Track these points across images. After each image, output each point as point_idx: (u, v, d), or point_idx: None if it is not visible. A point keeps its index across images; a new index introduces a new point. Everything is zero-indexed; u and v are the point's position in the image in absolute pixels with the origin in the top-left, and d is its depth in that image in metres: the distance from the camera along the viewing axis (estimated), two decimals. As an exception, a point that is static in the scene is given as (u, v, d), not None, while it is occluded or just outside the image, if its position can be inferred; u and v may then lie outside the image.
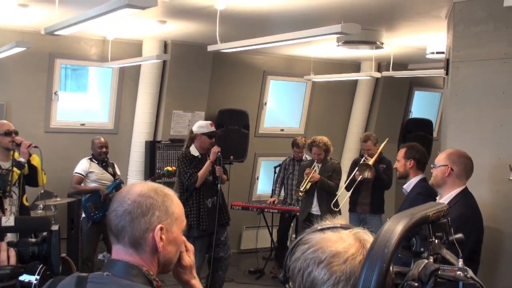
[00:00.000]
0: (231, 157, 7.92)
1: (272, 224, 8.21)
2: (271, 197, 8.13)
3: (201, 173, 5.95)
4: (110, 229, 1.67)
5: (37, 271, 1.90)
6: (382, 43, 6.41)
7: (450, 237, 1.34)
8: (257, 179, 9.46)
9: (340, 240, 1.30)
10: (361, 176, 6.72)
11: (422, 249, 1.28)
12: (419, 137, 9.58)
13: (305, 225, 6.87)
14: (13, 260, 1.87)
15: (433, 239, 1.29)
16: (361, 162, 6.83)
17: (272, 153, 9.33)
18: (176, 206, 1.71)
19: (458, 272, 1.18)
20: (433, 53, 6.90)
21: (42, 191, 5.88)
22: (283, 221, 8.03)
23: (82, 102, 8.52)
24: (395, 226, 1.13)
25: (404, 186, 4.41)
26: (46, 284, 1.73)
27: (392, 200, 8.41)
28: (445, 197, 3.59)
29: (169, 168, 6.76)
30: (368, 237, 1.32)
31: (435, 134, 10.32)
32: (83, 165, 6.72)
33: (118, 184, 6.81)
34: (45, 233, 1.91)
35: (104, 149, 6.78)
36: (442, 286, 1.16)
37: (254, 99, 9.12)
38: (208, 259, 6.18)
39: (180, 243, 1.75)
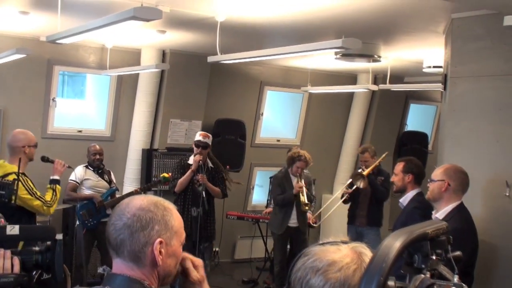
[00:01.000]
0: (227, 166, 7.92)
1: (266, 234, 8.22)
2: (266, 207, 8.14)
3: (181, 179, 6.27)
4: (109, 242, 1.67)
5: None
6: (379, 57, 6.45)
7: (448, 254, 1.37)
8: (253, 189, 9.47)
9: (337, 251, 1.40)
10: (354, 186, 6.74)
11: (423, 266, 1.31)
12: (414, 150, 9.62)
13: (283, 238, 6.90)
14: (16, 268, 1.89)
15: (432, 256, 1.33)
16: (355, 171, 6.85)
17: (268, 163, 9.35)
18: (176, 219, 1.71)
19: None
20: (429, 67, 6.94)
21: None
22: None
23: (80, 108, 8.53)
24: (394, 242, 1.17)
25: (401, 200, 4.43)
26: None
27: (386, 213, 8.43)
28: (441, 212, 3.62)
29: (165, 175, 6.70)
30: (364, 250, 1.41)
31: (430, 147, 10.36)
32: (78, 172, 6.70)
33: (113, 192, 6.81)
34: (49, 242, 1.93)
35: (97, 156, 6.77)
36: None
37: (251, 109, 9.15)
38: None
39: (179, 255, 1.74)
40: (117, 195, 6.91)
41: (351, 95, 9.91)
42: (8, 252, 1.90)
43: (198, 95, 8.37)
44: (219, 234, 7.64)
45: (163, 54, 7.96)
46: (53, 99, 7.62)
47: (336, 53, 6.39)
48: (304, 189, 6.69)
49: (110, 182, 6.87)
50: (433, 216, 3.70)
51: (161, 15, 3.46)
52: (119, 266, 1.67)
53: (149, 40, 7.07)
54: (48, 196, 4.98)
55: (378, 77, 9.43)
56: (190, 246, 6.08)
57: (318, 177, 7.79)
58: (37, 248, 1.93)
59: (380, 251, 1.16)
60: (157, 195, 7.72)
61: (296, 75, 9.22)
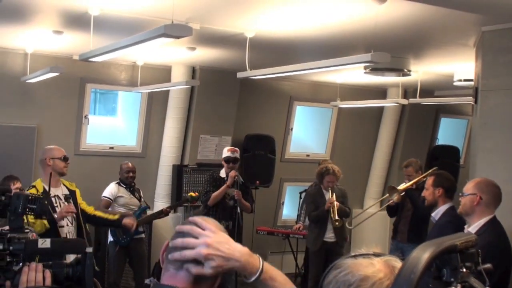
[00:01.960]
0: (257, 182, 7.95)
1: (297, 250, 8.18)
2: (296, 223, 8.11)
3: (215, 193, 6.28)
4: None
5: None
6: (409, 71, 6.42)
7: (478, 267, 1.36)
8: (283, 204, 9.45)
9: (370, 265, 1.37)
10: (391, 200, 6.68)
11: (452, 279, 1.30)
12: (445, 164, 9.47)
13: (319, 254, 6.83)
14: (48, 281, 1.92)
15: (462, 269, 1.31)
16: (390, 185, 6.78)
17: (297, 178, 9.34)
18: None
19: (485, 300, 1.21)
20: (460, 80, 6.88)
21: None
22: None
23: (111, 125, 8.66)
24: (423, 253, 1.16)
25: (433, 214, 4.39)
26: None
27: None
28: (474, 226, 3.58)
29: (192, 194, 6.93)
30: (398, 264, 1.38)
31: (462, 162, 10.22)
32: (112, 189, 6.78)
33: (144, 209, 6.88)
34: (79, 255, 1.96)
35: (131, 174, 6.86)
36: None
37: (280, 125, 9.17)
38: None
39: None
40: (148, 213, 6.97)
41: (381, 109, 9.86)
42: (40, 265, 1.93)
43: (228, 111, 8.42)
44: (249, 250, 7.62)
45: (193, 70, 8.05)
46: (85, 117, 7.74)
47: (365, 68, 6.38)
48: (336, 203, 6.65)
49: (140, 199, 6.94)
50: (465, 231, 3.65)
51: (191, 32, 3.50)
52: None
53: (179, 56, 7.15)
54: (38, 227, 4.33)
55: (408, 91, 9.36)
56: None
57: (348, 192, 7.71)
58: (68, 261, 1.97)
59: (409, 262, 1.14)
60: (187, 212, 7.79)
61: (325, 90, 9.21)
